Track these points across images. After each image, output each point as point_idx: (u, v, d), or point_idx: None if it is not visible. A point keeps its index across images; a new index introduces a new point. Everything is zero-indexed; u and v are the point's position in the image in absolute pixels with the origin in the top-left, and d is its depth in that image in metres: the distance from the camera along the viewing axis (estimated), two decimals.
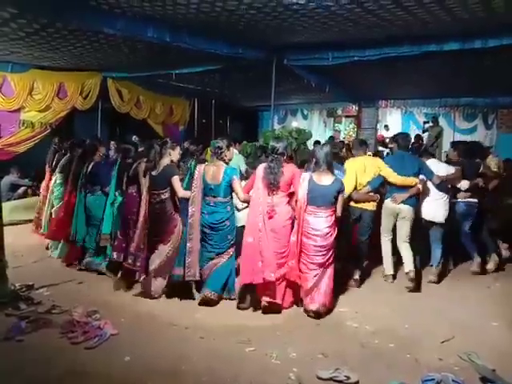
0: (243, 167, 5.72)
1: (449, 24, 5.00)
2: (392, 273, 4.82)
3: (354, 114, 12.60)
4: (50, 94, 8.10)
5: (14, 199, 7.67)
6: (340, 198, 3.99)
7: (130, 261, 4.34)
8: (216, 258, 4.11)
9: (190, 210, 4.10)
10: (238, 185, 4.07)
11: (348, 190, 4.44)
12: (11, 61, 7.49)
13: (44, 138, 8.18)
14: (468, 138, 10.43)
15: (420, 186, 4.68)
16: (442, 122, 11.10)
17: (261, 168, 4.01)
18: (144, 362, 3.03)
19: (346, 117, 13.27)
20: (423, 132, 10.78)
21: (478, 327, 3.70)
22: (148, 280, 4.22)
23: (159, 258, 4.18)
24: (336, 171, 4.30)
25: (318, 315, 3.84)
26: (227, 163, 4.20)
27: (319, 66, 6.86)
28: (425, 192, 4.81)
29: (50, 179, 6.11)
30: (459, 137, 10.82)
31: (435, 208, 4.84)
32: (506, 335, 3.57)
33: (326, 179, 3.93)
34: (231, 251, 4.17)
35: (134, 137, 7.92)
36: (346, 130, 13.31)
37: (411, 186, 4.63)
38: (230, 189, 4.10)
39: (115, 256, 4.58)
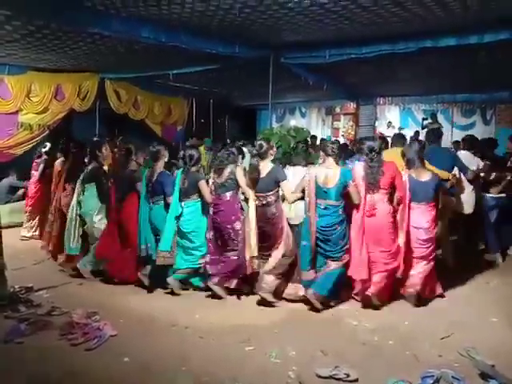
0: None
1: (444, 20, 4.99)
2: None
3: (353, 112, 12.59)
4: (47, 96, 8.10)
5: (13, 201, 7.66)
6: (440, 192, 4.17)
7: (255, 265, 4.11)
8: (329, 264, 3.96)
9: (308, 217, 3.96)
10: (355, 189, 3.93)
11: None
12: (8, 63, 7.48)
13: (42, 139, 8.20)
14: (466, 133, 10.41)
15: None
16: (440, 118, 11.07)
17: (360, 167, 4.03)
18: (143, 363, 3.03)
19: (345, 114, 13.24)
20: (422, 129, 10.77)
21: (478, 323, 3.70)
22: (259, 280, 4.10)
23: (271, 262, 4.08)
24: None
25: (417, 299, 4.02)
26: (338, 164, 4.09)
27: (316, 63, 6.86)
28: (461, 185, 5.11)
29: (63, 189, 5.31)
30: (458, 133, 10.81)
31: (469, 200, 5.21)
32: (506, 331, 3.57)
33: (424, 175, 4.08)
34: (345, 258, 3.95)
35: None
36: (345, 128, 13.29)
37: (447, 180, 4.85)
38: (343, 192, 3.94)
39: (209, 269, 4.26)
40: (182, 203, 4.33)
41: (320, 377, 2.86)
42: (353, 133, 12.41)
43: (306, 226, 3.98)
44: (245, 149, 7.46)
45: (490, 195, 5.45)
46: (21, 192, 7.94)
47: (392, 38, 5.76)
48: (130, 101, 9.63)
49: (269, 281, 4.04)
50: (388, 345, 3.32)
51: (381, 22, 5.13)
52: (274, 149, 4.31)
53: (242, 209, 4.28)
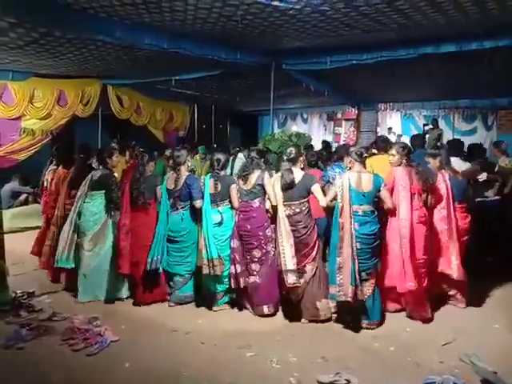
0: None
1: (445, 26, 5.02)
2: None
3: (354, 117, 12.62)
4: (50, 102, 8.14)
5: (16, 206, 7.70)
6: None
7: (292, 280, 3.76)
8: (365, 277, 3.66)
9: (339, 222, 3.70)
10: (388, 193, 3.77)
11: None
12: (11, 69, 7.54)
13: (45, 145, 8.25)
14: (468, 139, 10.42)
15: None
16: (441, 123, 11.09)
17: (400, 171, 3.93)
18: (144, 368, 3.03)
19: (346, 120, 13.28)
20: (423, 134, 10.79)
21: (479, 330, 3.69)
22: (307, 304, 3.87)
23: (305, 278, 3.86)
24: (338, 169, 4.50)
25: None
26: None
27: (317, 70, 6.89)
28: None
29: (68, 197, 4.77)
30: (459, 139, 10.81)
31: None
32: (508, 337, 3.55)
33: (458, 174, 4.19)
34: (376, 272, 3.76)
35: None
36: (346, 134, 13.32)
37: None
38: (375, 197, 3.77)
39: (241, 283, 4.00)
40: (219, 208, 4.10)
41: (321, 383, 2.85)
42: (354, 138, 12.44)
43: (336, 234, 3.71)
44: (240, 154, 7.50)
45: (487, 198, 5.41)
46: (23, 197, 7.98)
47: (393, 44, 5.79)
48: (132, 106, 9.68)
49: (325, 306, 3.82)
50: (389, 351, 3.32)
51: (381, 28, 5.16)
52: (303, 158, 4.17)
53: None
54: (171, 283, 4.29)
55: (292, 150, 4.06)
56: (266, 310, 3.96)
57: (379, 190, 3.73)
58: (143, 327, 3.71)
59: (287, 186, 3.88)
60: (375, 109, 11.97)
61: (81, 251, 4.38)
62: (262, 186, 4.02)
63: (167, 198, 4.24)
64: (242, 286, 3.99)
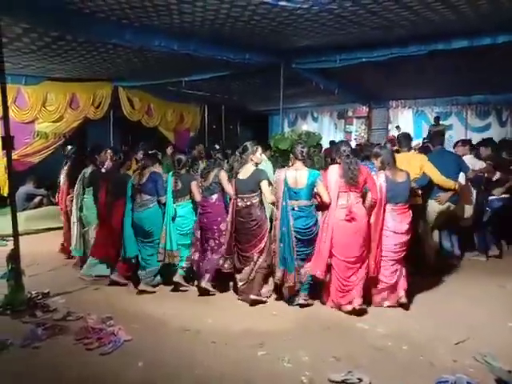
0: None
1: (455, 22, 4.96)
2: None
3: (365, 115, 12.54)
4: (62, 105, 8.27)
5: (30, 209, 7.83)
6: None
7: (226, 265, 4.35)
8: (302, 264, 4.04)
9: (275, 213, 4.14)
10: (323, 188, 3.97)
11: None
12: (25, 74, 7.67)
13: (58, 147, 8.37)
14: (482, 135, 10.28)
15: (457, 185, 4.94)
16: (454, 120, 10.99)
17: (333, 170, 4.00)
18: (157, 367, 3.06)
19: (357, 118, 13.20)
20: (428, 133, 10.70)
21: (493, 328, 3.64)
22: (248, 287, 4.28)
23: (250, 267, 4.24)
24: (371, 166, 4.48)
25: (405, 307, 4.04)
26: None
27: (327, 68, 6.87)
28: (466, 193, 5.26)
29: (67, 193, 5.70)
30: (472, 135, 10.68)
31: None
32: None
33: (400, 176, 4.11)
34: (309, 258, 4.08)
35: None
36: (358, 132, 13.24)
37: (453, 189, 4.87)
38: (313, 192, 4.03)
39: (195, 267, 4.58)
40: (174, 204, 4.56)
41: (333, 382, 2.85)
42: (366, 136, 12.36)
43: (282, 226, 3.98)
44: (265, 156, 7.52)
45: (494, 197, 5.47)
46: (37, 200, 8.10)
47: (403, 41, 5.74)
48: (143, 108, 9.77)
49: (264, 291, 4.29)
50: (401, 350, 3.29)
51: (390, 25, 5.13)
52: (257, 155, 4.33)
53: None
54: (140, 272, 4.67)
55: (247, 146, 4.32)
56: (202, 282, 4.43)
57: (315, 186, 3.96)
58: (155, 327, 3.75)
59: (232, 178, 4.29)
60: (386, 106, 11.89)
61: (87, 239, 5.16)
62: (219, 183, 4.47)
63: (133, 193, 4.67)
64: (200, 272, 4.50)
